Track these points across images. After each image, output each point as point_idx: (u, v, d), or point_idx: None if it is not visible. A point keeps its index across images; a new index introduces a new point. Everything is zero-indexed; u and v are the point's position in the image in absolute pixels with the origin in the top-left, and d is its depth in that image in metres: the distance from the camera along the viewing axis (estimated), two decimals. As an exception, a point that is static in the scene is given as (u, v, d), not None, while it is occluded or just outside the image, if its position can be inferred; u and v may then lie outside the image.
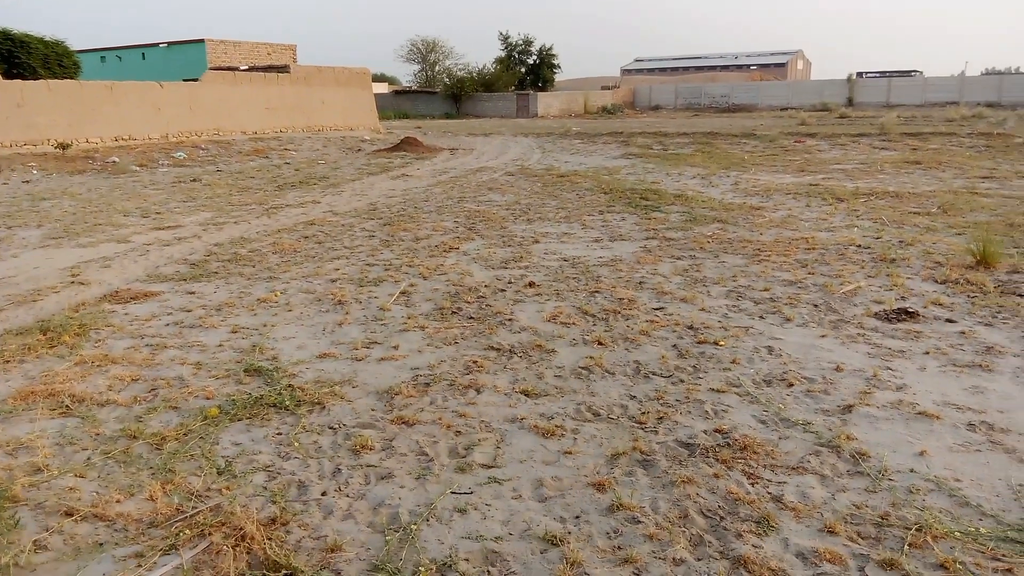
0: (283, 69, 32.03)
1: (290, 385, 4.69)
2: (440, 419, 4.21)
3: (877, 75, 58.79)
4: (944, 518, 3.15)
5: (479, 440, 3.96)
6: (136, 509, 3.31)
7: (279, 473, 3.63)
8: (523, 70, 63.73)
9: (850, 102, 51.21)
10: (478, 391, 4.61)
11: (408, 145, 23.86)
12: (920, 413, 4.19)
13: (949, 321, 5.78)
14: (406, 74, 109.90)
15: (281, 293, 6.92)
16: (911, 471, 3.57)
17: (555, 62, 64.62)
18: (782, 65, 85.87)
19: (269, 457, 3.79)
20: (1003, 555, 2.90)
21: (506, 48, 63.75)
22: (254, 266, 8.08)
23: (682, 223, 10.20)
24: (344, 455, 3.82)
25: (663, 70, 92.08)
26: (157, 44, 44.34)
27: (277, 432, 4.07)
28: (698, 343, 5.41)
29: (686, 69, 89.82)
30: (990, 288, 6.59)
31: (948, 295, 6.46)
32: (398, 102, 59.39)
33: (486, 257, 8.33)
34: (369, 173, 17.60)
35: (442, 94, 59.35)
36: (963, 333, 5.50)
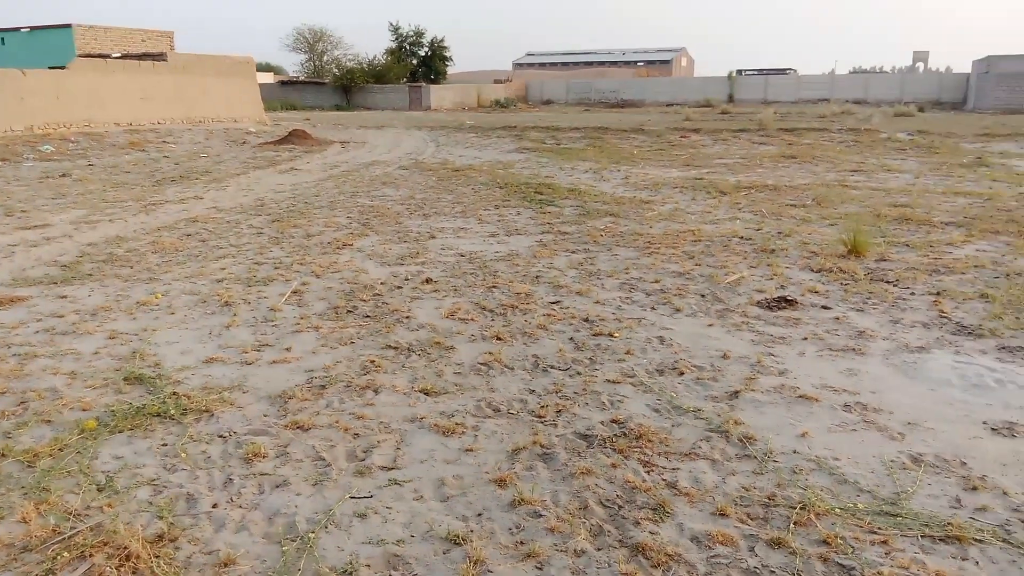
0: (159, 57, 30.40)
1: (175, 393, 4.45)
2: (337, 422, 4.10)
3: (755, 73, 61.80)
4: (825, 496, 3.34)
5: (378, 442, 3.89)
6: (7, 533, 3.06)
7: (165, 487, 3.45)
8: (415, 62, 63.16)
9: (731, 98, 53.57)
10: (376, 392, 4.53)
11: (297, 138, 23.18)
12: (801, 396, 4.43)
13: (824, 308, 6.14)
14: (292, 64, 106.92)
15: (162, 295, 6.57)
16: (794, 452, 3.76)
17: (447, 54, 64.42)
18: (667, 62, 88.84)
19: (154, 470, 3.59)
20: (879, 528, 3.10)
21: (397, 39, 62.99)
22: (132, 267, 7.63)
23: (576, 217, 10.37)
24: (236, 464, 3.66)
25: (554, 64, 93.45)
26: (18, 29, 41.07)
27: (162, 443, 3.86)
28: (594, 335, 5.52)
29: (576, 64, 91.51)
30: (860, 276, 7.04)
31: (823, 283, 6.85)
32: (285, 93, 57.54)
33: (381, 253, 8.19)
34: (255, 167, 16.98)
35: (331, 85, 57.98)
36: (837, 319, 5.85)
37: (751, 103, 51.26)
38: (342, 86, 57.09)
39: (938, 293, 6.45)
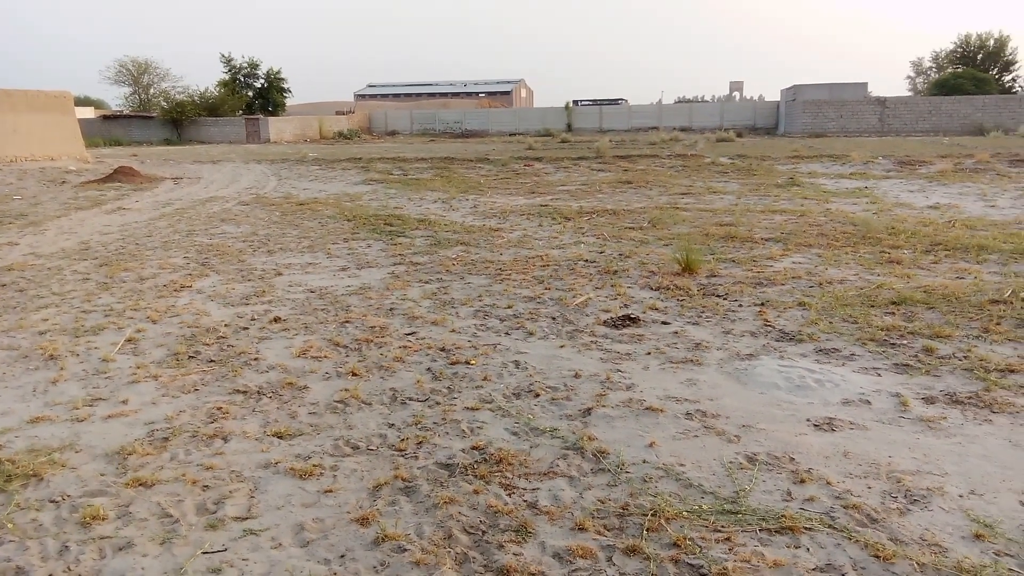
0: (-42, 91, 27.62)
1: (-6, 459, 4.04)
2: (184, 475, 3.88)
3: (590, 103, 64.78)
4: (674, 500, 3.55)
5: (230, 492, 3.72)
6: None
7: (-14, 564, 3.12)
8: (251, 94, 61.06)
9: (569, 128, 55.80)
10: (225, 439, 4.33)
11: (123, 175, 21.74)
12: (647, 408, 4.68)
13: (664, 323, 6.53)
14: (115, 98, 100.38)
15: (-26, 352, 5.95)
16: (644, 462, 3.97)
17: (285, 86, 62.75)
18: (507, 93, 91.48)
19: (-28, 548, 3.24)
20: (722, 526, 3.33)
21: (230, 71, 60.66)
22: (-65, 323, 6.86)
23: (427, 247, 10.42)
24: (72, 530, 3.38)
25: (396, 96, 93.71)
26: None
27: (-20, 516, 3.49)
28: (451, 364, 5.56)
29: (419, 95, 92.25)
30: (694, 291, 7.55)
31: (662, 300, 7.29)
32: (108, 128, 53.83)
33: (224, 294, 7.85)
34: (78, 208, 15.76)
35: (160, 119, 54.84)
36: (676, 333, 6.24)
37: (588, 132, 53.66)
38: (172, 119, 54.17)
39: (762, 304, 7.04)
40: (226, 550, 3.22)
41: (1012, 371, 5.15)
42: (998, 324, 6.17)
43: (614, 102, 66.64)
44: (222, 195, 18.04)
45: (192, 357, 5.80)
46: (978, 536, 3.22)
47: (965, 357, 5.46)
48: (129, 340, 6.23)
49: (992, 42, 60.44)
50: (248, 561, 3.14)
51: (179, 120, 54.14)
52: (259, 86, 61.73)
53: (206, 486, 3.78)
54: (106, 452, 4.17)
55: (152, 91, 65.07)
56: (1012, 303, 6.73)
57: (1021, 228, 10.77)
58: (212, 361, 5.71)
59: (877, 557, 3.08)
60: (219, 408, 4.76)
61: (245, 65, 60.90)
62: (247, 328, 6.58)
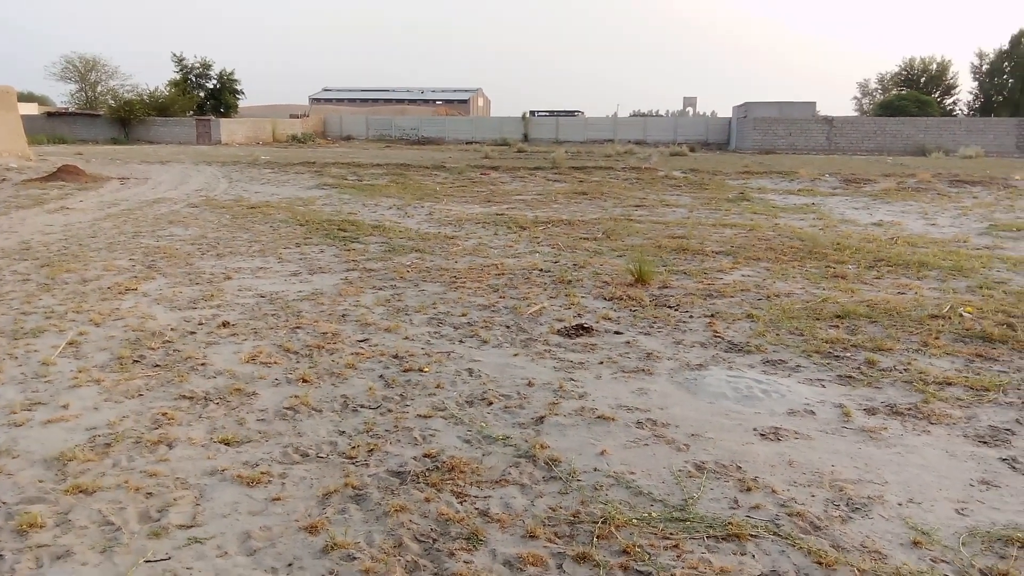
0: None
1: (-77, 465, 3.88)
2: (127, 482, 3.78)
3: (547, 114, 65.24)
4: (624, 508, 3.58)
5: (175, 499, 3.63)
6: None
7: (-87, 575, 2.99)
8: (202, 94, 59.91)
9: (526, 138, 56.14)
10: (170, 446, 4.23)
11: (67, 174, 21.11)
12: (599, 417, 4.72)
13: (617, 333, 6.60)
14: (60, 94, 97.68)
15: (-96, 354, 5.70)
16: (595, 470, 4.00)
17: (238, 87, 61.75)
18: (465, 101, 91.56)
19: (-103, 557, 3.10)
20: (671, 534, 3.38)
21: (181, 70, 59.44)
22: None
23: (382, 253, 10.36)
24: (7, 538, 3.26)
25: (352, 100, 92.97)
26: None
27: (-93, 525, 3.34)
28: (404, 371, 5.53)
29: (375, 101, 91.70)
30: (646, 302, 7.65)
31: (615, 310, 7.36)
32: (53, 125, 52.22)
33: (171, 298, 7.68)
34: (19, 206, 15.25)
35: (108, 117, 53.41)
36: (628, 343, 6.31)
37: (544, 142, 54.02)
38: (119, 118, 52.80)
39: (712, 315, 7.17)
40: (170, 559, 3.15)
41: (949, 383, 5.34)
42: (937, 338, 6.39)
43: (570, 114, 67.24)
44: (170, 196, 17.66)
45: (137, 361, 5.66)
46: (916, 543, 3.32)
47: (905, 370, 5.64)
48: (71, 343, 6.04)
49: (935, 66, 62.86)
50: (192, 570, 3.07)
51: (127, 119, 52.84)
52: (211, 87, 60.63)
53: (150, 493, 3.69)
54: (45, 458, 4.04)
55: (100, 89, 63.28)
56: (950, 318, 6.98)
57: (960, 246, 11.19)
58: (157, 366, 5.57)
59: (820, 564, 3.16)
60: (164, 414, 4.65)
61: (197, 65, 59.79)
62: (194, 332, 6.44)
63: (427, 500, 3.65)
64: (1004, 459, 4.19)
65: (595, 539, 3.31)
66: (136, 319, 6.81)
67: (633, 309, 7.40)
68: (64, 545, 3.22)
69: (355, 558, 3.16)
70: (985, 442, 4.40)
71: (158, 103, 54.93)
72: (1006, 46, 57.99)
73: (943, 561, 3.19)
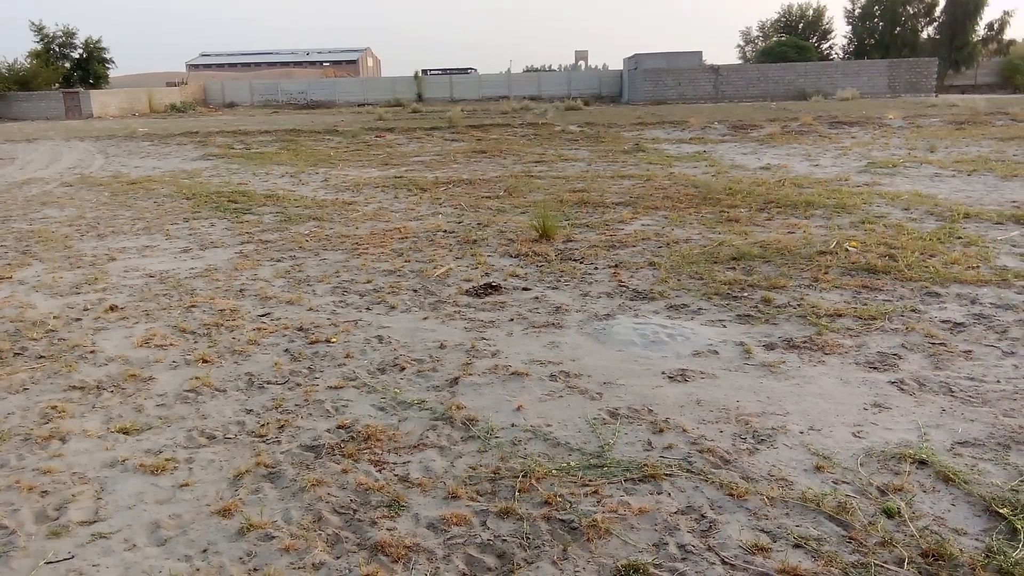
0: None
1: None
2: (17, 482, 3.53)
3: (441, 72, 64.26)
4: (543, 460, 3.62)
5: (73, 496, 3.42)
6: None
7: None
8: (68, 65, 55.70)
9: (420, 97, 55.10)
10: (63, 440, 3.97)
11: (-79, 157, 19.30)
12: (513, 373, 4.74)
13: (525, 289, 6.62)
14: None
15: None
16: (512, 426, 4.02)
17: (107, 56, 57.70)
18: (353, 62, 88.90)
19: None
20: (590, 480, 3.44)
21: (42, 40, 54.95)
22: None
23: (277, 224, 9.99)
24: None
25: (233, 66, 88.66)
26: None
27: None
28: (310, 343, 5.38)
29: (258, 65, 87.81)
30: (552, 257, 7.70)
31: (522, 267, 7.38)
32: None
33: (50, 284, 7.17)
34: None
35: (-41, 94, 49.00)
36: (537, 298, 6.34)
37: (439, 102, 53.19)
38: (-26, 95, 48.55)
39: (616, 265, 7.29)
40: (73, 557, 2.97)
41: (840, 315, 5.64)
42: (826, 273, 6.72)
43: (464, 71, 66.46)
44: (41, 176, 16.44)
45: (18, 354, 5.27)
46: (818, 468, 3.51)
47: (799, 305, 5.91)
48: (-61, 340, 5.57)
49: (811, 12, 65.22)
50: (99, 567, 2.91)
51: (-16, 95, 48.62)
52: (77, 57, 56.38)
53: (45, 491, 3.46)
54: (-81, 466, 3.71)
55: (-52, 62, 57.89)
56: (837, 253, 7.36)
57: (842, 185, 11.77)
58: (42, 357, 5.21)
59: (732, 495, 3.29)
60: (54, 407, 4.36)
61: (60, 34, 55.34)
62: (80, 319, 6.05)
63: (344, 472, 3.58)
64: (892, 382, 4.46)
65: (517, 493, 3.33)
66: (13, 309, 6.33)
67: (539, 265, 7.44)
68: (-50, 557, 2.98)
69: (273, 537, 3.07)
70: (875, 367, 4.68)
71: (18, 76, 50.74)
72: (877, -10, 60.74)
73: (844, 482, 3.38)
